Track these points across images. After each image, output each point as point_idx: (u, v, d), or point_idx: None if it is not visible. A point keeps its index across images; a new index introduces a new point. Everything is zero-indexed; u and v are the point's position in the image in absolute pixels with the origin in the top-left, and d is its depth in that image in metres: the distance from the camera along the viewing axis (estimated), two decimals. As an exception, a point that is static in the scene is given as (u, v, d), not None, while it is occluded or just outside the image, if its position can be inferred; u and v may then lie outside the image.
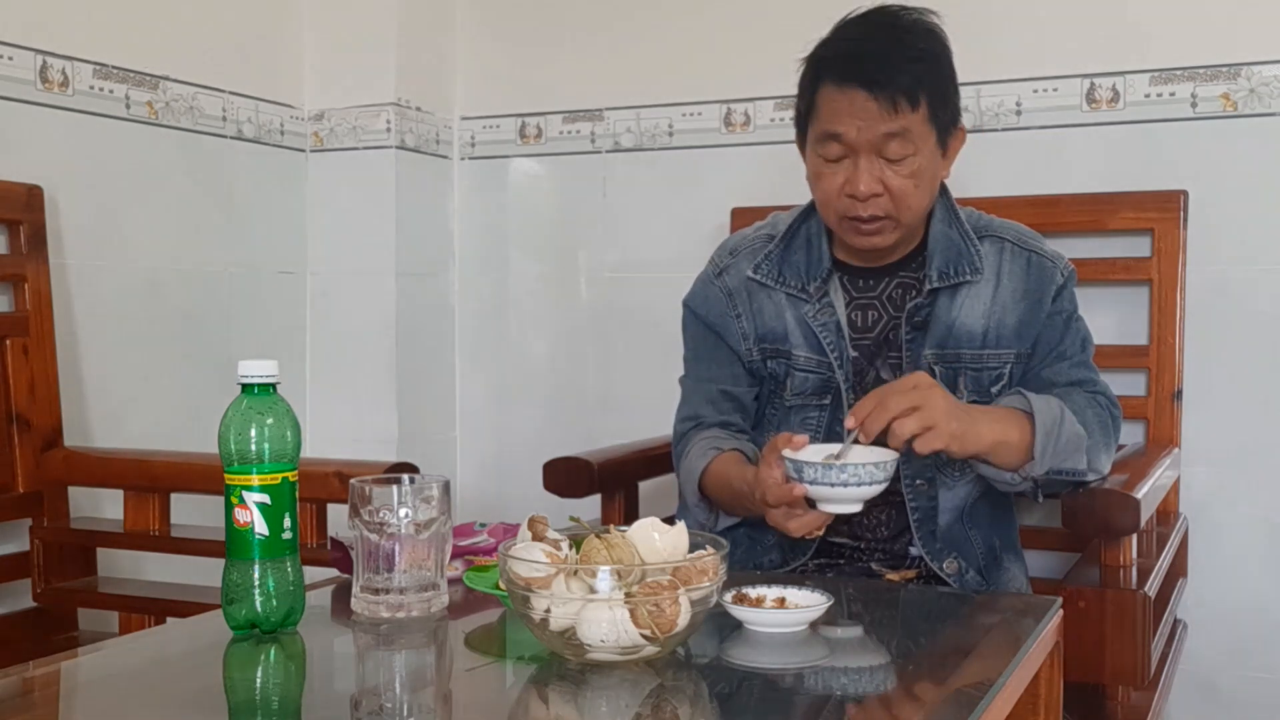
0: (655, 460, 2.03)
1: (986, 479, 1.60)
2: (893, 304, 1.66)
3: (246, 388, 1.17)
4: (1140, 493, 1.55)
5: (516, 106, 2.62)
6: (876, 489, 1.39)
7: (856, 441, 1.43)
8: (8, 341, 1.91)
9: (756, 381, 1.73)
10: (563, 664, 1.08)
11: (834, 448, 1.45)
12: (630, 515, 1.94)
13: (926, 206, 1.61)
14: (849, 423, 1.43)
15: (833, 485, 1.37)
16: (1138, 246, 2.10)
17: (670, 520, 1.16)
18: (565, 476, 1.88)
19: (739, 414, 1.73)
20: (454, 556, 1.37)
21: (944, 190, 1.67)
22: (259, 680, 1.13)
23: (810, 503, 1.42)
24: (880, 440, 1.44)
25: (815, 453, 1.43)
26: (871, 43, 1.55)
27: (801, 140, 1.65)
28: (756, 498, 1.47)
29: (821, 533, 1.50)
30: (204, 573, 1.68)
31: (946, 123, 1.58)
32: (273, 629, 1.17)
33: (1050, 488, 1.58)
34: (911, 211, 1.58)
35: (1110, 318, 2.11)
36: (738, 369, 1.72)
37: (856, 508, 1.42)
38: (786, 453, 1.40)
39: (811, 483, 1.38)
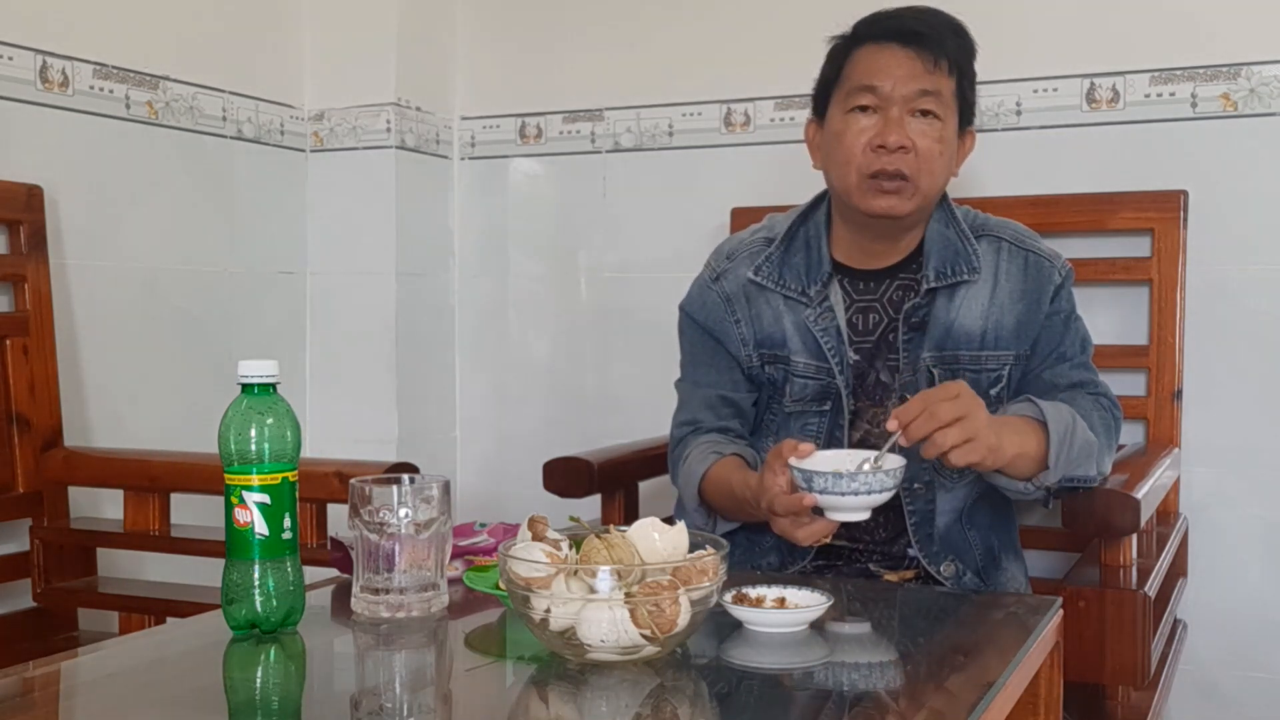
0: (655, 460, 2.03)
1: (998, 488, 1.59)
2: (893, 306, 1.66)
3: (246, 388, 1.17)
4: (1140, 493, 1.54)
5: (516, 106, 2.62)
6: (885, 496, 1.38)
7: (894, 447, 1.42)
8: (8, 341, 1.91)
9: (755, 387, 1.72)
10: (563, 664, 1.08)
11: (838, 453, 1.44)
12: (630, 515, 1.94)
13: (942, 183, 1.62)
14: (891, 425, 1.40)
15: (843, 494, 1.36)
16: (1138, 246, 2.10)
17: (670, 520, 1.16)
18: (565, 476, 1.88)
19: (737, 419, 1.72)
20: (454, 556, 1.37)
21: (943, 193, 1.67)
22: (259, 680, 1.13)
23: (817, 510, 1.41)
24: (871, 440, 1.43)
25: (820, 459, 1.42)
26: (913, 15, 1.61)
27: (817, 117, 1.66)
28: (762, 506, 1.46)
29: (829, 540, 1.49)
30: (204, 573, 1.68)
31: (967, 109, 1.63)
32: (273, 629, 1.17)
33: (1058, 494, 1.58)
34: (931, 178, 1.59)
35: (1110, 318, 2.11)
36: (737, 374, 1.72)
37: (865, 515, 1.40)
38: (793, 462, 1.39)
39: (821, 492, 1.37)
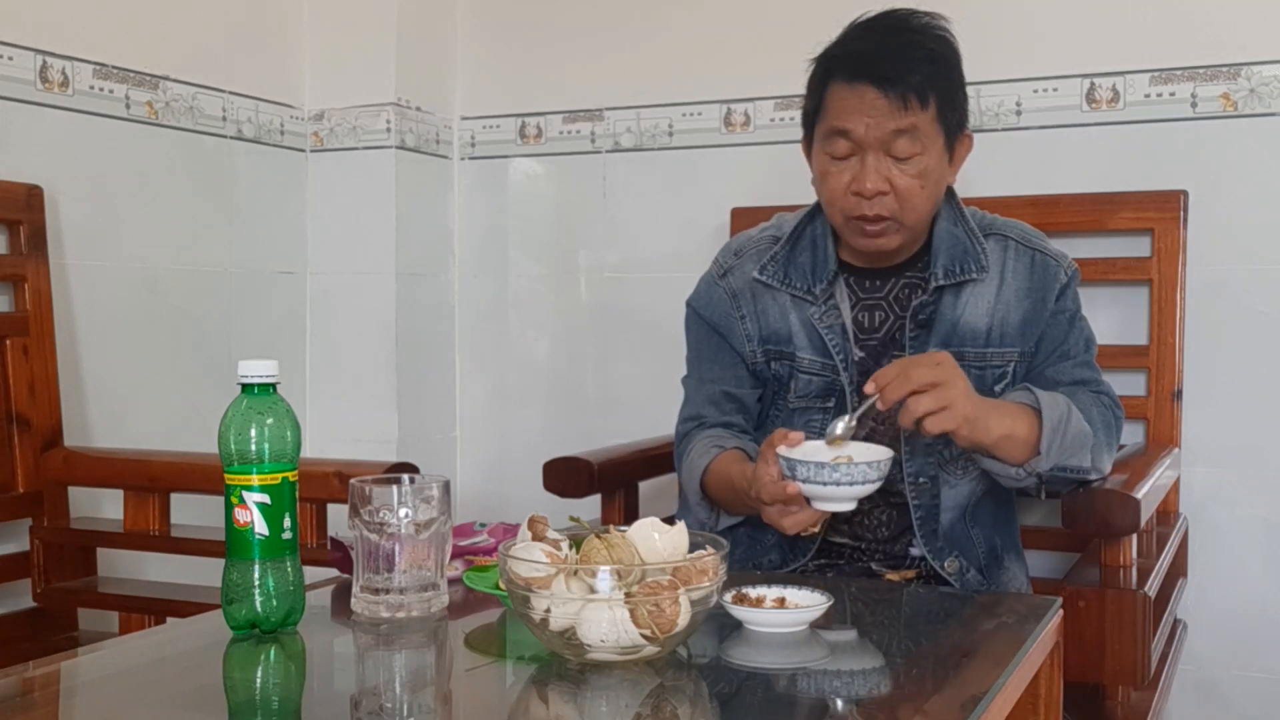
0: (655, 460, 2.03)
1: (990, 474, 1.60)
2: (899, 304, 1.66)
3: (246, 388, 1.17)
4: (1140, 493, 1.55)
5: (516, 106, 2.63)
6: (870, 488, 1.39)
7: (872, 410, 1.43)
8: (8, 341, 1.91)
9: (760, 383, 1.72)
10: (563, 664, 1.08)
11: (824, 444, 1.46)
12: (630, 515, 1.94)
13: (931, 210, 1.61)
14: (869, 388, 1.42)
15: (825, 484, 1.38)
16: (1138, 246, 2.10)
17: (670, 520, 1.16)
18: (565, 476, 1.88)
19: (741, 415, 1.73)
20: (454, 556, 1.37)
21: (950, 193, 1.67)
22: (259, 680, 1.13)
23: (807, 500, 1.42)
24: (879, 435, 1.44)
25: (816, 449, 1.43)
26: (883, 43, 1.56)
27: (808, 141, 1.65)
28: (752, 494, 1.48)
29: (818, 530, 1.50)
30: (204, 573, 1.68)
31: (954, 126, 1.59)
32: (273, 629, 1.17)
33: (1053, 485, 1.59)
34: (916, 213, 1.58)
35: (1110, 318, 2.11)
36: (741, 370, 1.72)
37: (850, 506, 1.42)
38: (781, 450, 1.40)
39: (805, 481, 1.38)
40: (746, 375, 1.72)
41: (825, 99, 1.58)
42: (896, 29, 1.57)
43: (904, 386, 1.41)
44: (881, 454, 1.41)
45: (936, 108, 1.55)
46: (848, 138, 1.55)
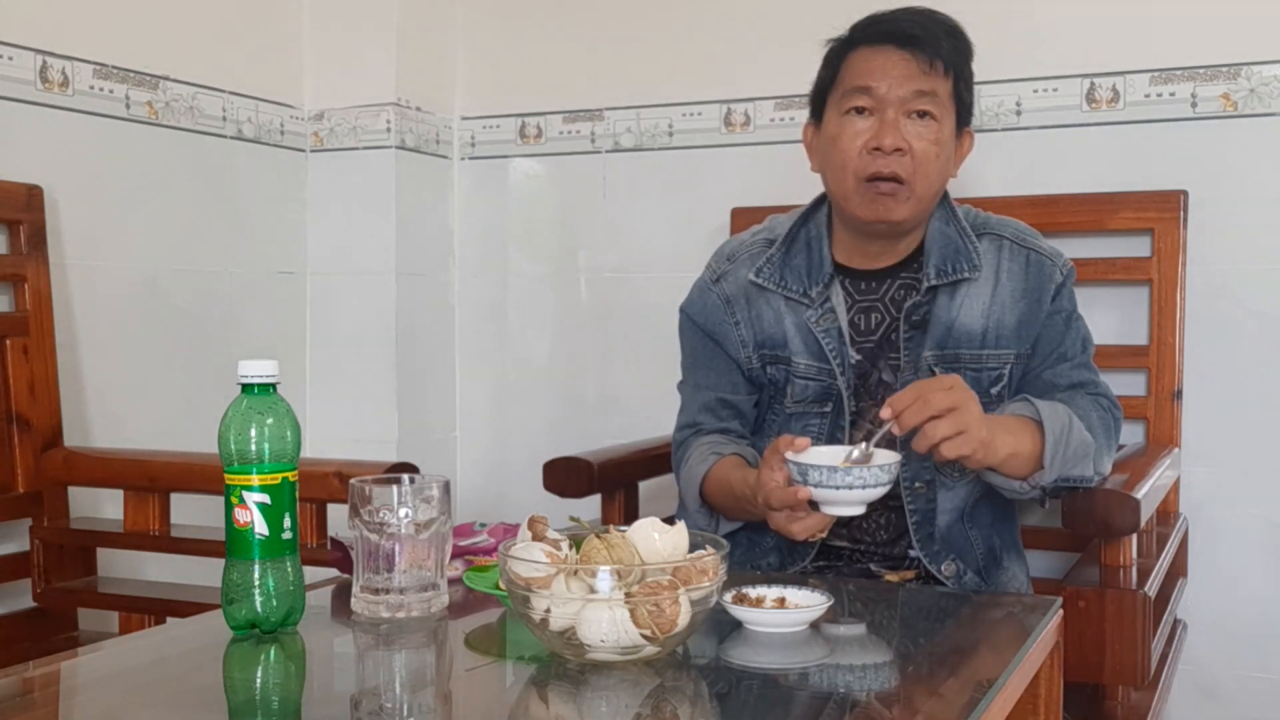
0: (655, 460, 2.03)
1: (993, 486, 1.59)
2: (895, 306, 1.66)
3: (246, 388, 1.17)
4: (1140, 493, 1.54)
5: (516, 106, 2.62)
6: (881, 491, 1.38)
7: (889, 434, 1.42)
8: (8, 341, 1.91)
9: (755, 388, 1.72)
10: (563, 664, 1.08)
11: (836, 449, 1.45)
12: (630, 515, 1.94)
13: (939, 186, 1.62)
14: (885, 413, 1.40)
15: (837, 488, 1.36)
16: (1138, 246, 2.10)
17: (670, 520, 1.16)
18: (565, 476, 1.88)
19: (737, 421, 1.72)
20: (454, 556, 1.37)
21: (944, 193, 1.67)
22: (259, 680, 1.13)
23: (813, 505, 1.42)
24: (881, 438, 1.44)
25: (817, 454, 1.42)
26: (908, 18, 1.60)
27: (815, 120, 1.66)
28: (759, 501, 1.47)
29: (825, 535, 1.50)
30: (204, 573, 1.68)
31: (964, 111, 1.62)
32: (273, 629, 1.17)
33: (1055, 493, 1.58)
34: (927, 181, 1.58)
35: (1110, 318, 2.11)
36: (736, 376, 1.72)
37: (860, 510, 1.41)
38: (790, 455, 1.39)
39: (816, 485, 1.37)
40: (742, 381, 1.72)
41: (844, 66, 1.61)
42: (919, 12, 1.61)
43: (923, 411, 1.39)
44: (890, 457, 1.40)
45: (954, 83, 1.59)
46: (869, 95, 1.57)
